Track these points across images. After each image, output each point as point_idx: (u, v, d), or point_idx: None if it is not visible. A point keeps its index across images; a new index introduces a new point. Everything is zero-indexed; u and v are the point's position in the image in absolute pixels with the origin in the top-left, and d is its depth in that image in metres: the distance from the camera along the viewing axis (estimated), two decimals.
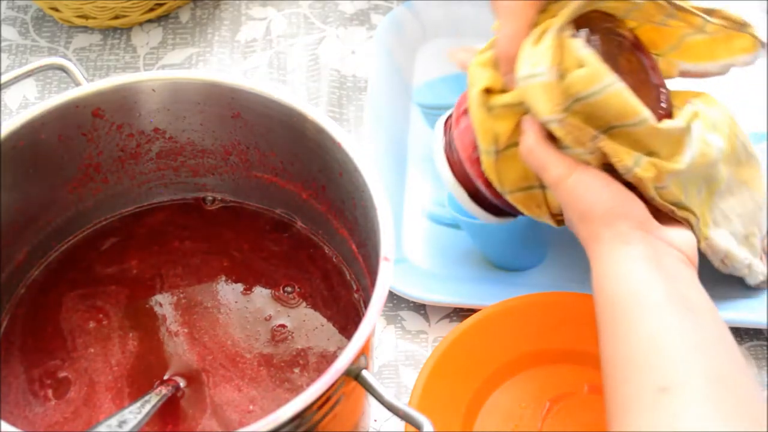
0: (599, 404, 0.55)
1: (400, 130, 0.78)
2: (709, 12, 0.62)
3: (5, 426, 0.47)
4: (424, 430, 0.47)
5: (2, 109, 0.80)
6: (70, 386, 0.57)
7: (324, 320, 0.60)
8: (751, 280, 0.68)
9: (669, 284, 0.55)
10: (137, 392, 0.57)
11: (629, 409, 0.52)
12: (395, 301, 0.71)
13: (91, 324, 0.59)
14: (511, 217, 0.69)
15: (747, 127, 0.69)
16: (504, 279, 0.71)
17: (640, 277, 0.55)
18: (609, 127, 0.57)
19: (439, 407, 0.62)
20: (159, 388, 0.55)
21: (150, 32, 0.85)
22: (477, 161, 0.63)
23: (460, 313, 0.70)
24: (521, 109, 0.60)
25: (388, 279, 0.50)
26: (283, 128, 0.58)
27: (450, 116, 0.67)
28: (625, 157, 0.58)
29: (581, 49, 0.57)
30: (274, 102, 0.58)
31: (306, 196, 0.61)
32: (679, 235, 0.59)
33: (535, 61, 0.57)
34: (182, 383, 0.57)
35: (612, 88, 0.56)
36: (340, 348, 0.58)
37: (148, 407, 0.53)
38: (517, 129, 0.61)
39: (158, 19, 0.86)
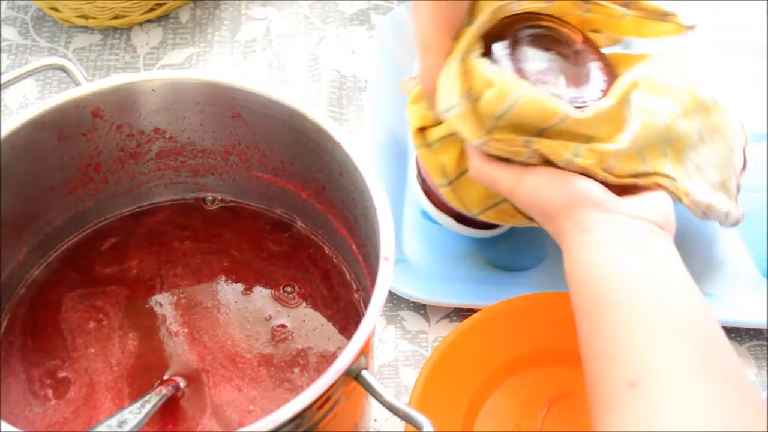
0: None
1: (400, 130, 0.78)
2: (627, 4, 0.61)
3: (5, 426, 0.47)
4: (424, 430, 0.47)
5: (2, 109, 0.80)
6: (70, 386, 0.57)
7: (324, 320, 0.60)
8: (726, 224, 0.67)
9: (635, 265, 0.54)
10: (137, 392, 0.57)
11: (604, 407, 0.51)
12: (395, 301, 0.71)
13: (91, 324, 0.59)
14: (503, 227, 0.69)
15: (747, 127, 0.69)
16: (504, 279, 0.71)
17: (604, 263, 0.54)
18: (540, 130, 0.57)
19: (439, 407, 0.62)
20: (159, 388, 0.55)
21: (150, 32, 0.85)
22: None
23: (460, 313, 0.70)
24: (458, 138, 0.60)
25: (388, 279, 0.50)
26: (283, 128, 0.58)
27: None
28: (562, 152, 0.57)
29: (486, 69, 0.56)
30: (274, 102, 0.58)
31: (306, 196, 0.61)
32: (646, 203, 0.58)
33: (447, 93, 0.57)
34: (182, 383, 0.57)
35: (524, 98, 0.56)
36: (340, 348, 0.58)
37: (148, 407, 0.53)
38: (463, 155, 0.61)
39: (158, 19, 0.86)
